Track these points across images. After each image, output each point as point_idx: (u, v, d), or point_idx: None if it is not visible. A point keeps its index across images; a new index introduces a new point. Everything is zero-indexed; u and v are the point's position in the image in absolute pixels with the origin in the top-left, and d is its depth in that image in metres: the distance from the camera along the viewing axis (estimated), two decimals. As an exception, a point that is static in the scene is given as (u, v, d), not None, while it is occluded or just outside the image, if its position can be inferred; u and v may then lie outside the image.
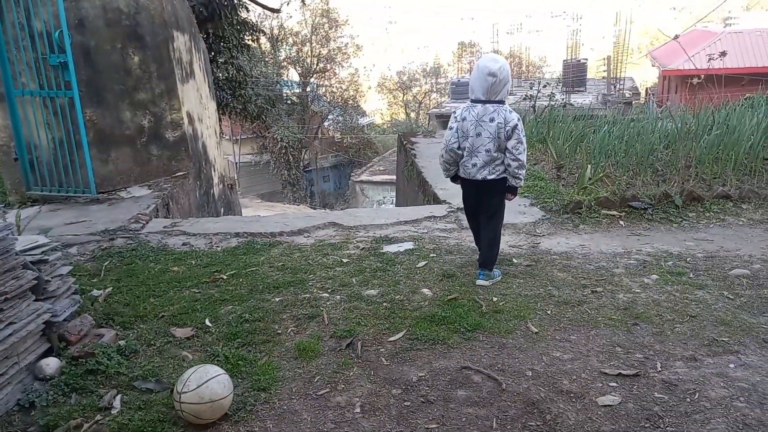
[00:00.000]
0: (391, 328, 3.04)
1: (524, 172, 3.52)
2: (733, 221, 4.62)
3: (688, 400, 2.38)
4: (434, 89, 41.02)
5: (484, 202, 3.65)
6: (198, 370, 2.30)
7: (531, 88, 8.75)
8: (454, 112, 3.62)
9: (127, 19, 5.92)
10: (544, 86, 8.53)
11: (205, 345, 2.92)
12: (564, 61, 24.15)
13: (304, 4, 26.23)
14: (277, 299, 3.41)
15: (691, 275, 3.60)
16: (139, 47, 6.02)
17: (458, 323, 3.05)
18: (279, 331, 3.04)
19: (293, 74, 34.76)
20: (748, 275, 3.54)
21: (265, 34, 27.78)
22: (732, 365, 2.61)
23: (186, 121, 6.41)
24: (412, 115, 41.88)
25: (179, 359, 2.77)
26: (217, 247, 4.47)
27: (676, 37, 9.09)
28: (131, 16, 5.93)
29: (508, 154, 3.44)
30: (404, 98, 42.42)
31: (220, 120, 12.73)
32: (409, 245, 4.33)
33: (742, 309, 3.13)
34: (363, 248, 4.30)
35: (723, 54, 8.00)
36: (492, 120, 3.42)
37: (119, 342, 2.87)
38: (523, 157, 3.45)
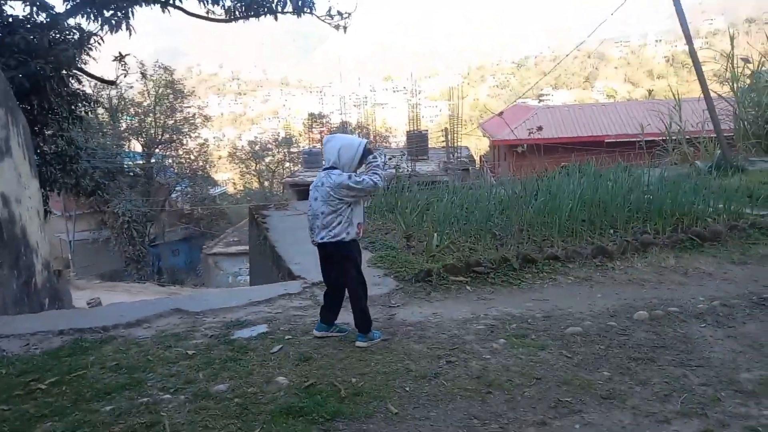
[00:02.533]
0: (243, 427, 2.78)
1: (372, 182, 3.66)
2: (562, 280, 5.06)
3: (542, 467, 2.44)
4: (287, 158, 41.31)
5: (331, 264, 3.84)
6: None
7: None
8: None
9: (-77, 91, 5.18)
10: (391, 158, 8.95)
11: (12, 479, 2.42)
12: (407, 132, 25.83)
13: (144, 77, 25.25)
14: (107, 408, 2.98)
15: (533, 336, 3.82)
16: (-61, 122, 5.26)
17: (316, 413, 2.89)
18: (110, 449, 2.63)
19: (136, 145, 32.98)
20: (581, 332, 3.84)
21: (101, 104, 26.17)
22: (577, 426, 2.75)
23: (0, 203, 5.65)
24: (266, 184, 41.58)
25: (-25, 504, 2.26)
26: (36, 349, 3.86)
27: (501, 113, 10.17)
28: (-71, 88, 5.20)
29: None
30: (257, 167, 42.10)
31: (47, 198, 11.48)
32: (262, 328, 4.11)
33: (579, 367, 3.36)
34: (212, 336, 3.98)
35: (539, 128, 9.08)
36: (322, 184, 3.72)
37: None
38: (377, 179, 3.67)
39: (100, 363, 3.56)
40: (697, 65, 9.62)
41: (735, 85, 13.03)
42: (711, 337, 3.71)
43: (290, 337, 3.93)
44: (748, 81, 12.92)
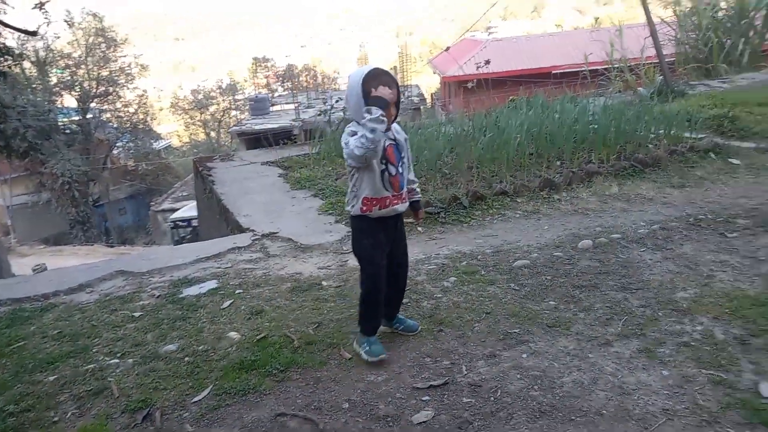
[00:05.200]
0: (195, 386, 2.75)
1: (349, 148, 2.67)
2: (511, 215, 5.12)
3: (492, 398, 2.51)
4: (233, 106, 39.94)
5: None
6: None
7: (325, 103, 8.87)
8: None
9: None
10: (337, 100, 8.70)
11: (-47, 459, 2.34)
12: (356, 72, 25.17)
13: (70, 26, 23.53)
14: (51, 378, 2.88)
15: (483, 272, 3.88)
16: None
17: (269, 365, 2.87)
18: (56, 419, 2.56)
19: (70, 100, 31.18)
20: (528, 265, 3.92)
21: (27, 58, 24.43)
22: (524, 355, 2.83)
23: None
24: (213, 134, 40.30)
25: None
26: (-29, 323, 3.68)
27: (448, 48, 9.97)
28: None
29: None
30: (202, 117, 40.62)
31: (-26, 162, 10.80)
32: (212, 284, 4.02)
33: (527, 298, 3.44)
34: (159, 296, 3.88)
35: (487, 62, 8.99)
36: None
37: None
38: (353, 144, 2.63)
39: (42, 332, 3.43)
40: (639, -11, 9.59)
41: (677, 8, 13.14)
42: (650, 260, 3.84)
43: (241, 291, 3.87)
44: (690, 4, 13.05)
